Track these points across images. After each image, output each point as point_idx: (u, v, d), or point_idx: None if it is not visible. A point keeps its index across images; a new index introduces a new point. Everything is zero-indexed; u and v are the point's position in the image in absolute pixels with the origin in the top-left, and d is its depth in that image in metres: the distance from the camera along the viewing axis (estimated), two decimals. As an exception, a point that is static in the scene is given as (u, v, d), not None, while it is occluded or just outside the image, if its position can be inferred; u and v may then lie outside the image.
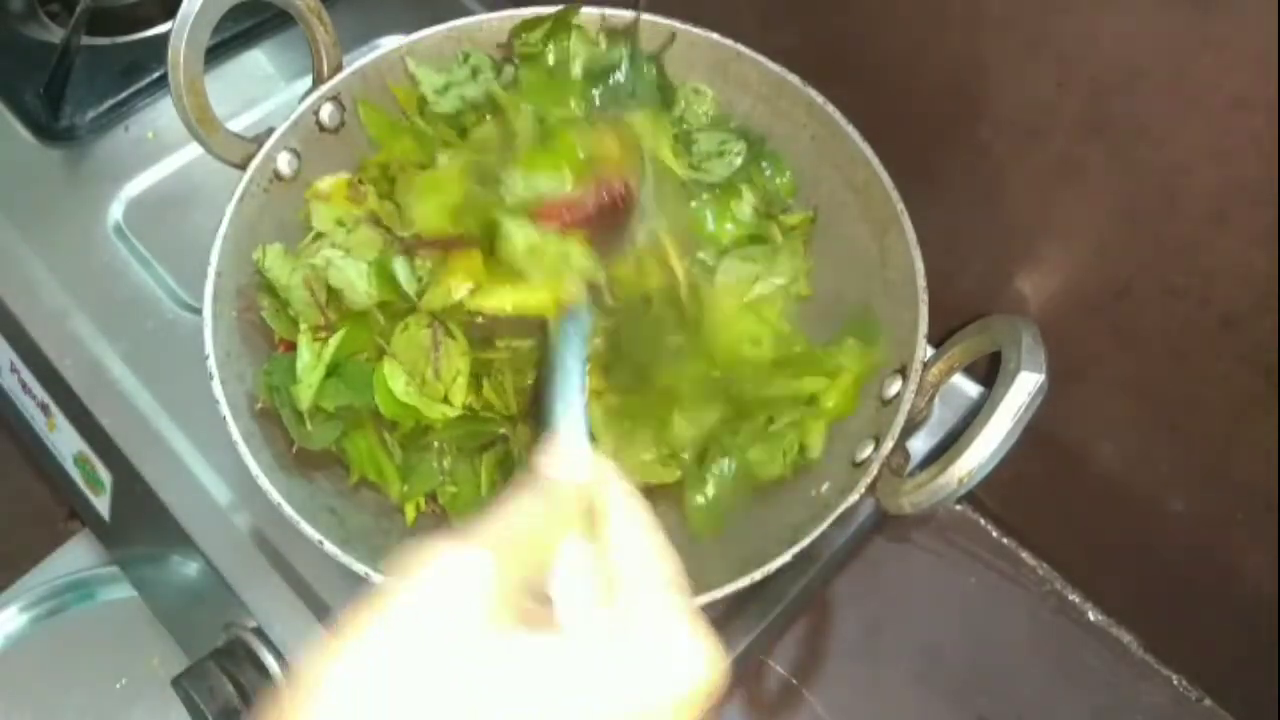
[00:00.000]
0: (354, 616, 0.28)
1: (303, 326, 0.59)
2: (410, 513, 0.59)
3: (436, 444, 0.59)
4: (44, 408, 0.75)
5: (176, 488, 0.66)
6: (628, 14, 0.66)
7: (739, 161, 0.64)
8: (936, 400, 0.59)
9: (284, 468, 0.55)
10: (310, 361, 0.57)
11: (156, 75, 0.82)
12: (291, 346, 0.59)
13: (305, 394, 0.57)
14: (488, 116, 0.64)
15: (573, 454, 0.37)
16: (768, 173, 0.65)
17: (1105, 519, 0.70)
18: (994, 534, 0.76)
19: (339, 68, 0.64)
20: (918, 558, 0.74)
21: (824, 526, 0.51)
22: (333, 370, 0.58)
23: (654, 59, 0.66)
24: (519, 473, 0.58)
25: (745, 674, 0.67)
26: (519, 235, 0.56)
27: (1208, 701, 0.70)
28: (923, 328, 0.56)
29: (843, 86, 0.63)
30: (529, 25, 0.65)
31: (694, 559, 0.56)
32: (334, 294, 0.60)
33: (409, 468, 0.58)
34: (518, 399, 0.58)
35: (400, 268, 0.59)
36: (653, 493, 0.58)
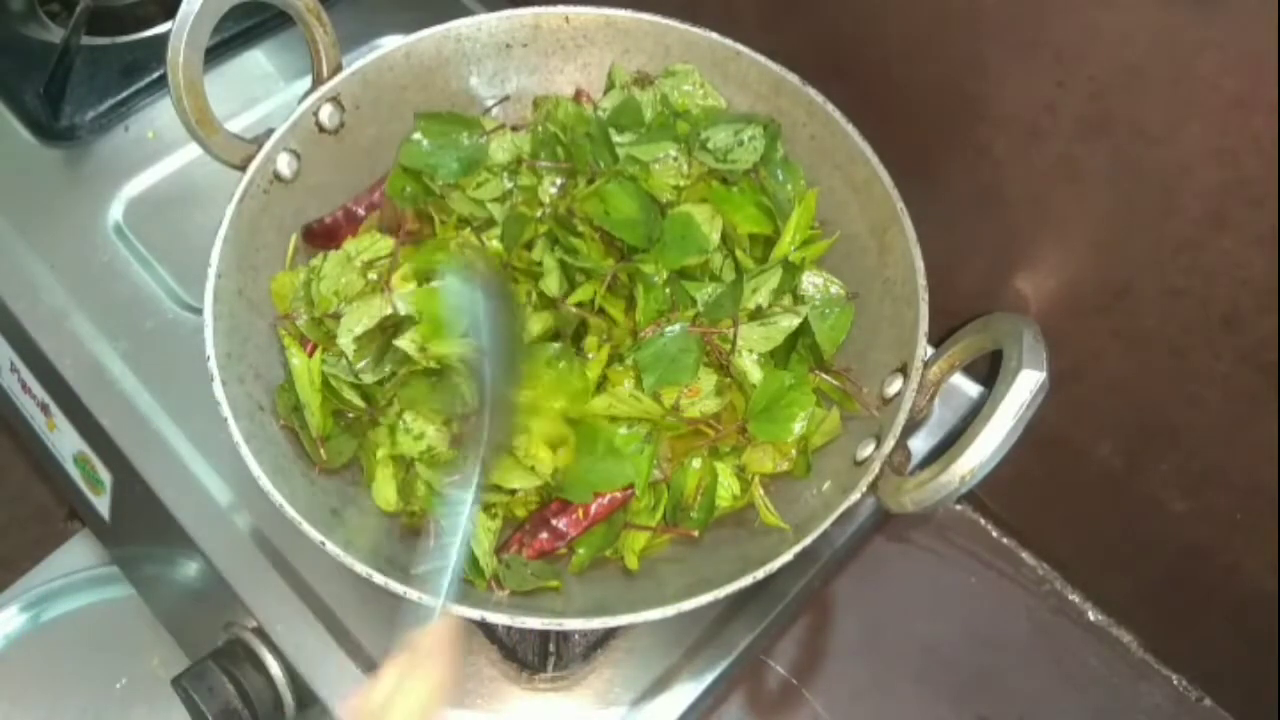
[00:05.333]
0: None
1: (287, 340, 0.59)
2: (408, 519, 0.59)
3: None
4: (44, 408, 0.75)
5: (176, 488, 0.66)
6: (625, 13, 0.66)
7: (761, 145, 0.63)
8: (937, 400, 0.59)
9: (286, 469, 0.55)
10: (301, 371, 0.58)
11: (156, 75, 0.82)
12: None
13: (314, 420, 0.58)
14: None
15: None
16: (780, 176, 0.65)
17: (1105, 519, 0.70)
18: (994, 534, 0.76)
19: (338, 68, 0.64)
20: (918, 558, 0.74)
21: (825, 526, 0.51)
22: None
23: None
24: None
25: (745, 674, 0.67)
26: None
27: (1208, 701, 0.70)
28: (923, 326, 0.56)
29: (843, 86, 0.63)
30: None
31: (696, 558, 0.57)
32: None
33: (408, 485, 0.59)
34: None
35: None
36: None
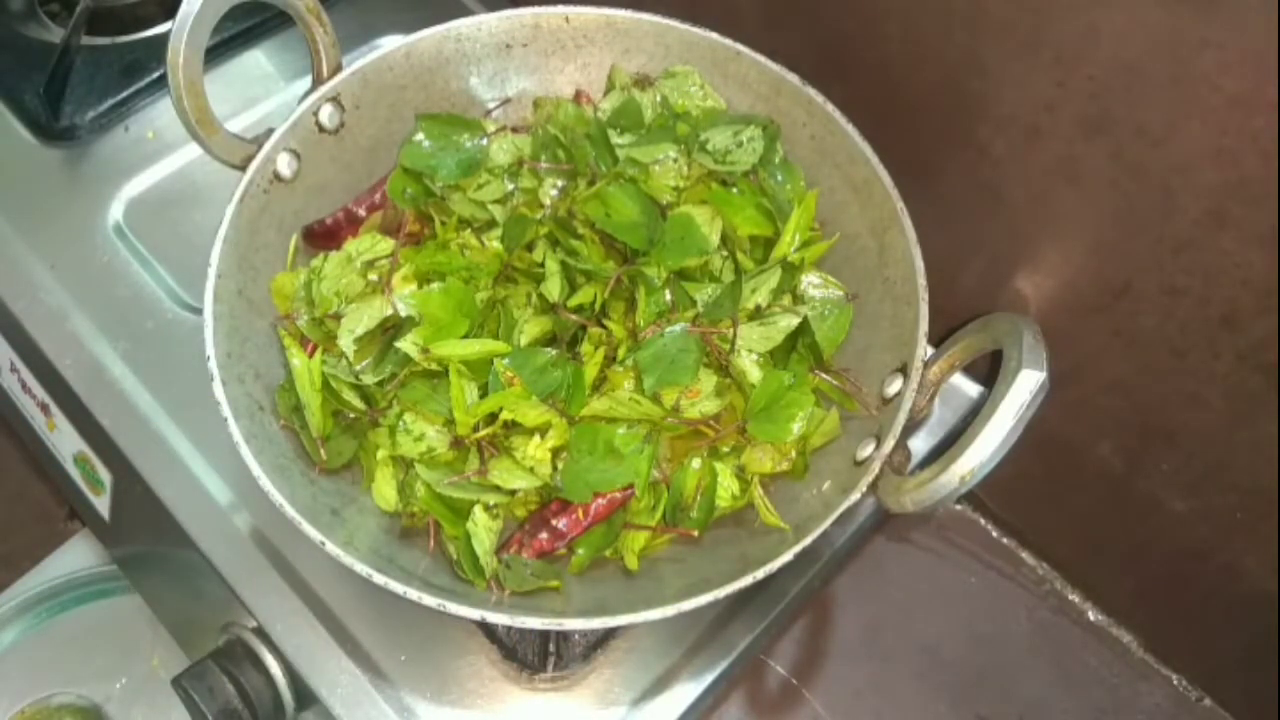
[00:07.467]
0: None
1: (287, 340, 0.59)
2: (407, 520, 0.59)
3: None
4: (44, 408, 0.75)
5: (176, 488, 0.66)
6: (625, 13, 0.66)
7: (760, 146, 0.63)
8: (937, 400, 0.59)
9: (286, 469, 0.55)
10: (301, 372, 0.58)
11: (156, 75, 0.82)
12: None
13: (314, 420, 0.58)
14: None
15: None
16: (778, 177, 0.65)
17: (1105, 519, 0.70)
18: (994, 534, 0.76)
19: (338, 68, 0.64)
20: (918, 558, 0.74)
21: (825, 526, 0.52)
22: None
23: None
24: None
25: (745, 674, 0.67)
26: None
27: (1208, 701, 0.70)
28: (923, 326, 0.56)
29: (843, 86, 0.63)
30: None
31: (696, 558, 0.57)
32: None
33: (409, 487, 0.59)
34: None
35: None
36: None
